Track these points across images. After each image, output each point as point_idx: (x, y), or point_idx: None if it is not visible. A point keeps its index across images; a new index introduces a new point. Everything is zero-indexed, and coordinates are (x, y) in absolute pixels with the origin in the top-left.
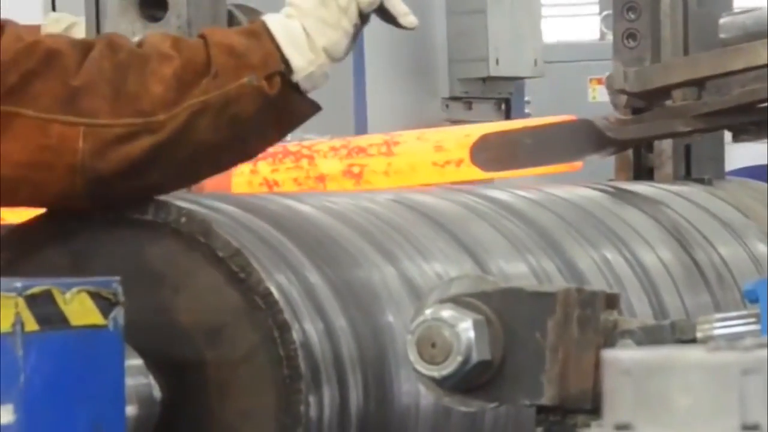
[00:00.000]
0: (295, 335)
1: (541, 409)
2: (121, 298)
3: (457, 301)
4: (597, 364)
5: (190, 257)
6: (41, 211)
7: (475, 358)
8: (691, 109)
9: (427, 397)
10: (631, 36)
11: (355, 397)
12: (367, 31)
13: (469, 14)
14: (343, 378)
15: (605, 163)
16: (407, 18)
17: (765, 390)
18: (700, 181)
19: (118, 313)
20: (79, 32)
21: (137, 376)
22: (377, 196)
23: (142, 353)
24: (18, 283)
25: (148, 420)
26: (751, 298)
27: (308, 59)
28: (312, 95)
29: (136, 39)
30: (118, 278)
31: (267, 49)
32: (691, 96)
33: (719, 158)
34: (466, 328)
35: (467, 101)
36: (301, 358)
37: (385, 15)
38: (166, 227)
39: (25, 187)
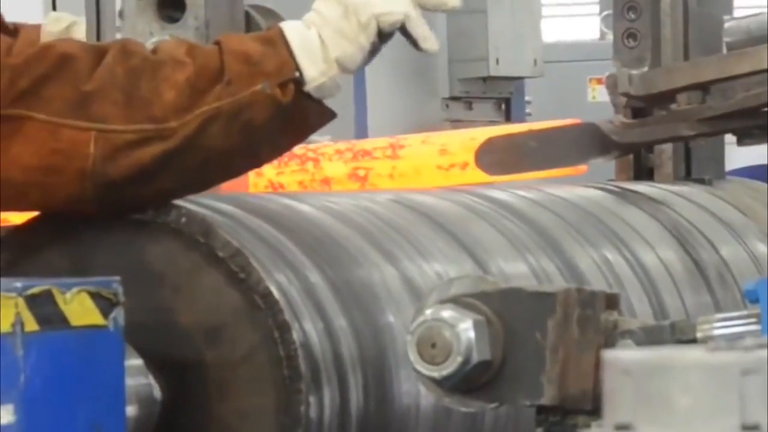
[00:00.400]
0: (295, 335)
1: (541, 410)
2: (121, 298)
3: (457, 301)
4: (597, 365)
5: (190, 257)
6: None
7: (475, 358)
8: (695, 112)
9: (427, 397)
10: (632, 36)
11: (355, 397)
12: None
13: (469, 14)
14: (344, 378)
15: (606, 163)
16: (427, 42)
17: (765, 390)
18: (701, 181)
19: (118, 313)
20: (80, 32)
21: (137, 376)
22: (377, 196)
23: (142, 353)
24: (18, 283)
25: (148, 420)
26: (751, 298)
27: (320, 70)
28: None
29: (153, 40)
30: (118, 278)
31: (282, 57)
32: (696, 100)
33: (719, 158)
34: (466, 328)
35: (467, 101)
36: (301, 358)
37: (408, 35)
38: (166, 227)
39: (35, 191)
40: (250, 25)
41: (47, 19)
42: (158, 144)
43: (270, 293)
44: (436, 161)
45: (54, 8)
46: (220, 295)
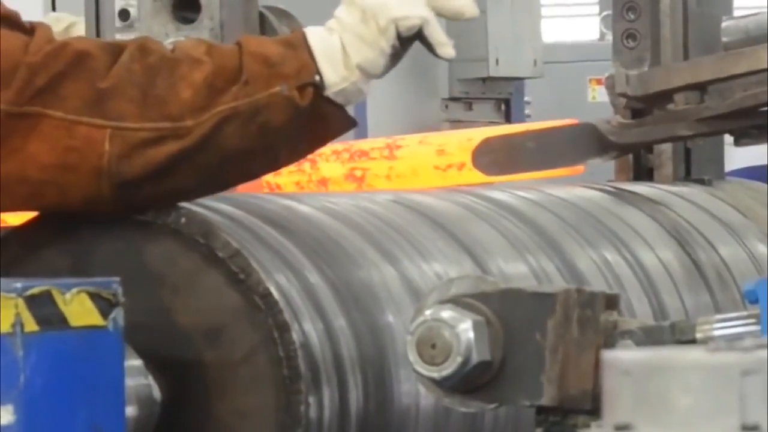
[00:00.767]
0: (295, 335)
1: (541, 410)
2: (121, 298)
3: (456, 301)
4: (597, 365)
5: (190, 258)
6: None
7: (474, 358)
8: (693, 113)
9: (427, 397)
10: (631, 36)
11: (354, 397)
12: None
13: None
14: (343, 378)
15: (605, 163)
16: (444, 48)
17: (765, 390)
18: (700, 181)
19: (118, 313)
20: (79, 31)
21: (137, 377)
22: (377, 197)
23: (142, 354)
24: (18, 284)
25: (148, 420)
26: (751, 298)
27: (341, 75)
28: None
29: (170, 41)
30: (117, 279)
31: (302, 61)
32: (693, 100)
33: (719, 159)
34: (465, 328)
35: (467, 101)
36: (301, 358)
37: (425, 41)
38: (166, 228)
39: (51, 190)
40: (264, 26)
41: (47, 19)
42: (174, 143)
43: (270, 294)
44: (433, 162)
45: (54, 8)
46: (220, 296)
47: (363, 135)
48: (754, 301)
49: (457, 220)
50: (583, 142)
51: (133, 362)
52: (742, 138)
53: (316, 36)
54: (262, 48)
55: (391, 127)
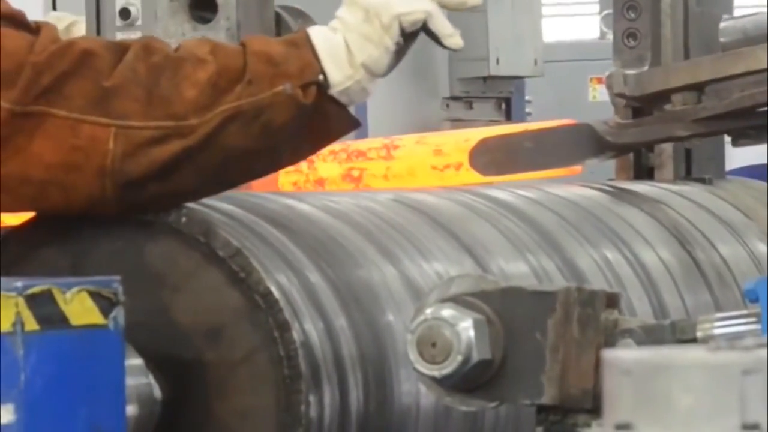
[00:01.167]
0: (296, 335)
1: (541, 409)
2: (122, 297)
3: (457, 300)
4: (597, 364)
5: (190, 257)
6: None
7: (475, 357)
8: (690, 113)
9: (427, 396)
10: (632, 35)
11: (355, 396)
12: None
13: (469, 14)
14: (344, 378)
15: (605, 162)
16: (451, 39)
17: (765, 390)
18: (701, 180)
19: (119, 312)
20: (80, 31)
21: (137, 376)
22: (377, 196)
23: (142, 353)
24: (18, 283)
25: (148, 420)
26: (751, 297)
27: (346, 74)
28: None
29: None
30: (118, 278)
31: (306, 60)
32: (691, 100)
33: (719, 158)
34: (466, 327)
35: (467, 101)
36: (302, 357)
37: (431, 34)
38: (166, 227)
39: (54, 190)
40: (280, 25)
41: (48, 19)
42: (178, 141)
43: (270, 293)
44: (430, 162)
45: (54, 8)
46: (221, 295)
47: (363, 134)
48: (755, 299)
49: (458, 219)
50: (580, 143)
51: (134, 361)
52: (739, 138)
53: (319, 35)
54: (265, 47)
55: (392, 127)
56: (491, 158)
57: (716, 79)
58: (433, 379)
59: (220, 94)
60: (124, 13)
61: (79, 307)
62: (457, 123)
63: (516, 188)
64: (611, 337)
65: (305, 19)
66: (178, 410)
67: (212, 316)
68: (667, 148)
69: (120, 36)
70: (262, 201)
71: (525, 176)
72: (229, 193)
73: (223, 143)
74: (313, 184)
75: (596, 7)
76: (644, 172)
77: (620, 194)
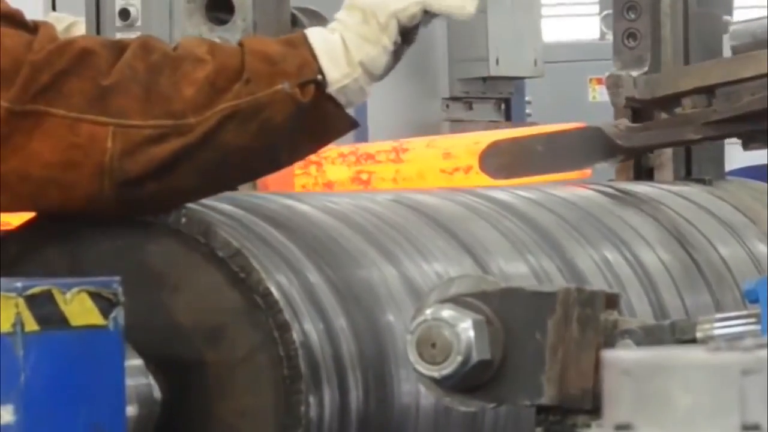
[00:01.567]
0: (295, 335)
1: (541, 409)
2: (121, 298)
3: (457, 301)
4: (597, 364)
5: (190, 257)
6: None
7: (475, 357)
8: (700, 116)
9: (427, 396)
10: (632, 36)
11: (355, 397)
12: None
13: None
14: (344, 378)
15: (610, 166)
16: (460, 11)
17: (765, 390)
18: (701, 181)
19: (119, 313)
20: (79, 31)
21: (137, 376)
22: (377, 196)
23: (142, 353)
24: (18, 283)
25: (148, 420)
26: (751, 297)
27: (343, 72)
28: None
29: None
30: (118, 278)
31: (303, 58)
32: (701, 104)
33: (719, 159)
34: (466, 327)
35: (467, 101)
36: (301, 358)
37: (432, 18)
38: (166, 227)
39: (53, 189)
40: (296, 26)
41: (47, 20)
42: (176, 140)
43: (270, 293)
44: (439, 165)
45: (54, 8)
46: (220, 295)
47: (364, 135)
48: (754, 300)
49: (458, 219)
50: (590, 146)
51: (134, 362)
52: (750, 142)
53: (317, 35)
54: (263, 47)
55: (392, 127)
56: (501, 161)
57: (726, 83)
58: (433, 379)
59: (219, 93)
60: (124, 14)
61: (79, 307)
62: (456, 123)
63: (516, 189)
64: (611, 337)
65: (320, 20)
66: (178, 410)
67: (212, 316)
68: (667, 149)
69: (120, 36)
70: (262, 201)
71: (534, 179)
72: (229, 193)
73: (221, 142)
74: (322, 187)
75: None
76: (644, 172)
77: (620, 195)
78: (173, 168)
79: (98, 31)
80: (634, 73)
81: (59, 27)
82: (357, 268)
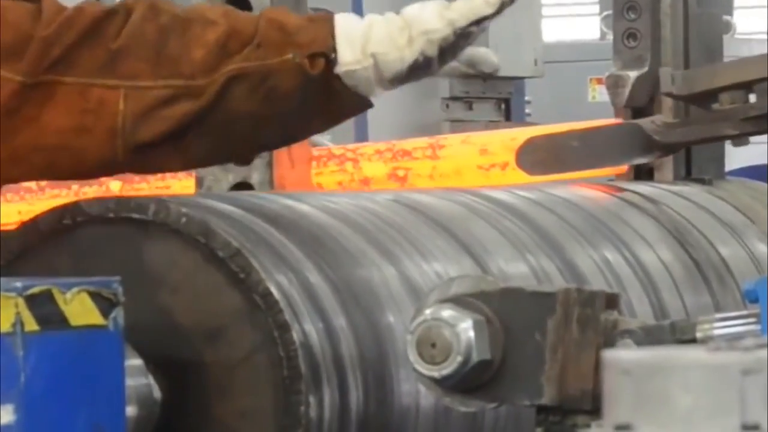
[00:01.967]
0: (295, 335)
1: (541, 409)
2: (122, 298)
3: (457, 301)
4: (597, 364)
5: (190, 257)
6: (40, 210)
7: (475, 358)
8: (738, 112)
9: (427, 396)
10: (632, 36)
11: (355, 397)
12: None
13: None
14: (343, 378)
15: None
16: (489, 4)
17: (765, 390)
18: (701, 181)
19: (118, 313)
20: None
21: (137, 377)
22: (377, 196)
23: (142, 353)
24: (18, 283)
25: (148, 420)
26: (751, 297)
27: (356, 57)
28: None
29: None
30: (118, 278)
31: (319, 34)
32: (739, 99)
33: (719, 158)
34: (466, 328)
35: (467, 101)
36: (301, 358)
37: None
38: (166, 227)
39: (66, 156)
40: None
41: None
42: (187, 102)
43: (270, 293)
44: (476, 161)
45: None
46: (220, 296)
47: (364, 135)
48: (754, 300)
49: (458, 219)
50: (627, 142)
51: (134, 362)
52: None
53: (344, 17)
54: (281, 17)
55: (392, 126)
56: (538, 157)
57: (764, 78)
58: (433, 379)
59: (228, 55)
60: None
61: (78, 307)
62: (456, 123)
63: (516, 189)
64: (611, 337)
65: None
66: (178, 411)
67: (212, 316)
68: None
69: None
70: (261, 201)
71: (571, 175)
72: (229, 193)
73: (228, 105)
74: (359, 183)
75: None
76: (644, 172)
77: (620, 195)
78: (184, 130)
79: None
80: (634, 73)
81: None
82: (357, 268)
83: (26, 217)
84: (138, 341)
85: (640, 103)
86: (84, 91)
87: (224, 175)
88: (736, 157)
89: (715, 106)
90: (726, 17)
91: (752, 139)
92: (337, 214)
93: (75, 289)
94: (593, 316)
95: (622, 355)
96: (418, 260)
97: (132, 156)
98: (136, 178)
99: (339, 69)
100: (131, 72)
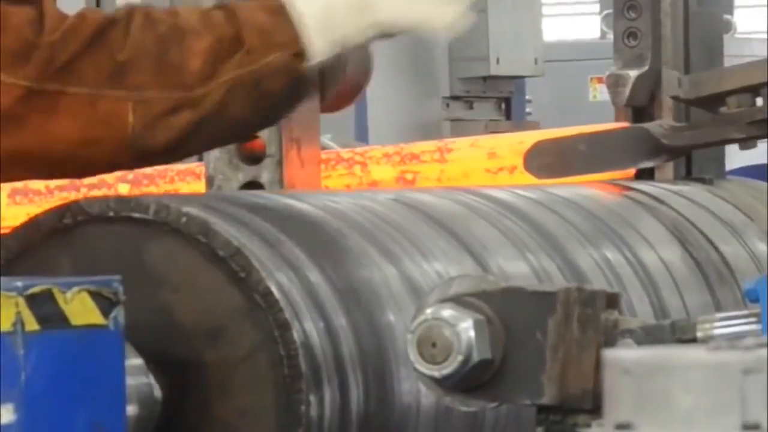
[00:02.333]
0: (296, 335)
1: (541, 409)
2: (122, 297)
3: (457, 300)
4: (597, 364)
5: (190, 257)
6: (40, 210)
7: (475, 357)
8: (745, 116)
9: (428, 396)
10: (632, 35)
11: (355, 396)
12: None
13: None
14: (344, 377)
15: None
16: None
17: (765, 390)
18: (701, 180)
19: (119, 312)
20: None
21: (137, 376)
22: (377, 196)
23: (143, 353)
24: (18, 283)
25: (149, 420)
26: (751, 297)
27: (325, 48)
28: None
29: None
30: (118, 278)
31: (291, 28)
32: (746, 103)
33: (720, 158)
34: (466, 327)
35: (468, 100)
36: (302, 357)
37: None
38: (166, 226)
39: (73, 164)
40: None
41: None
42: (189, 111)
43: (270, 292)
44: (484, 165)
45: None
46: (221, 295)
47: (364, 134)
48: (755, 299)
49: (458, 218)
50: (635, 145)
51: (134, 361)
52: None
53: (305, 4)
54: (253, 17)
55: (393, 126)
56: (546, 161)
57: None
58: (433, 379)
59: (221, 63)
60: None
61: (79, 306)
62: (457, 123)
63: (516, 188)
64: (611, 337)
65: None
66: (178, 410)
67: (212, 315)
68: None
69: None
70: (262, 200)
71: (579, 179)
72: (229, 193)
73: (228, 114)
74: (367, 187)
75: (596, 7)
76: (645, 171)
77: (621, 194)
78: (189, 139)
79: None
80: (635, 72)
81: None
82: (357, 268)
83: None
84: (138, 340)
85: (641, 102)
86: (92, 102)
87: (234, 175)
88: (737, 156)
89: (722, 109)
90: (726, 16)
91: None
92: (338, 213)
93: (75, 289)
94: (594, 315)
95: (622, 355)
96: (419, 259)
97: (137, 162)
98: (145, 181)
99: (313, 61)
100: (137, 83)
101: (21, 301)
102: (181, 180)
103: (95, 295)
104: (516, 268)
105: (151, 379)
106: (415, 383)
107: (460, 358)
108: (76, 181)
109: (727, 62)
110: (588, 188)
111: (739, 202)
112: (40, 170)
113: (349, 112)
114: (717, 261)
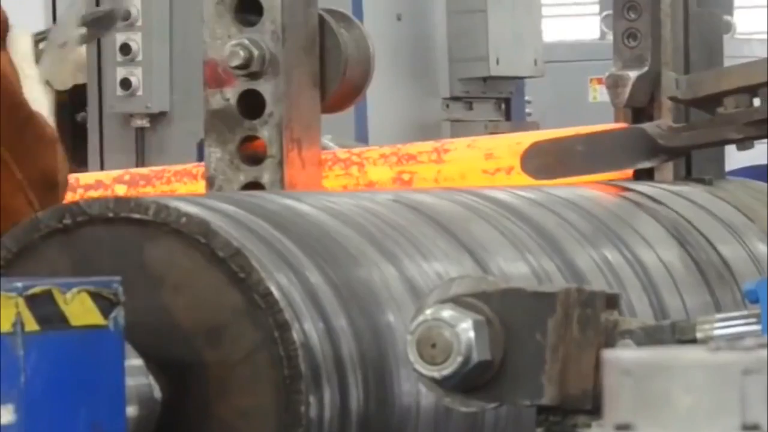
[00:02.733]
0: (296, 335)
1: (541, 410)
2: (122, 298)
3: (457, 301)
4: (597, 364)
5: (190, 257)
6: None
7: (475, 358)
8: (742, 116)
9: (427, 396)
10: (632, 35)
11: (355, 397)
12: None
13: (469, 14)
14: (344, 378)
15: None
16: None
17: (765, 390)
18: (701, 181)
19: (119, 313)
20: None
21: (137, 376)
22: (377, 196)
23: (143, 353)
24: (18, 283)
25: (148, 420)
26: (751, 298)
27: None
28: None
29: (232, 43)
30: (118, 278)
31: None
32: (743, 103)
33: (719, 158)
34: (466, 328)
35: (467, 101)
36: (302, 358)
37: None
38: (166, 227)
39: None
40: (323, 28)
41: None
42: None
43: (270, 293)
44: (481, 165)
45: (54, 9)
46: (221, 295)
47: (364, 135)
48: (755, 300)
49: (458, 219)
50: (632, 146)
51: (134, 362)
52: None
53: None
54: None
55: (392, 126)
56: (543, 162)
57: None
58: (433, 379)
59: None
60: (125, 14)
61: (79, 307)
62: (457, 123)
63: (516, 189)
64: (611, 337)
65: (348, 23)
66: (178, 410)
67: (212, 316)
68: None
69: (121, 36)
70: (261, 201)
71: (577, 180)
72: (229, 193)
73: None
74: (364, 187)
75: (596, 8)
76: (644, 172)
77: (620, 195)
78: None
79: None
80: (634, 73)
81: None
82: (357, 268)
83: None
84: (138, 341)
85: (640, 102)
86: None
87: (235, 176)
88: (737, 157)
89: (720, 110)
90: (726, 17)
91: None
92: (338, 214)
93: (75, 289)
94: (594, 316)
95: (622, 355)
96: (419, 260)
97: None
98: (141, 182)
99: None
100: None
101: (21, 301)
102: (178, 180)
103: (95, 296)
104: (516, 269)
105: (151, 380)
106: (415, 384)
107: (459, 358)
108: (73, 183)
109: (727, 63)
110: (588, 189)
111: (738, 202)
112: None
113: (349, 113)
114: (717, 262)
